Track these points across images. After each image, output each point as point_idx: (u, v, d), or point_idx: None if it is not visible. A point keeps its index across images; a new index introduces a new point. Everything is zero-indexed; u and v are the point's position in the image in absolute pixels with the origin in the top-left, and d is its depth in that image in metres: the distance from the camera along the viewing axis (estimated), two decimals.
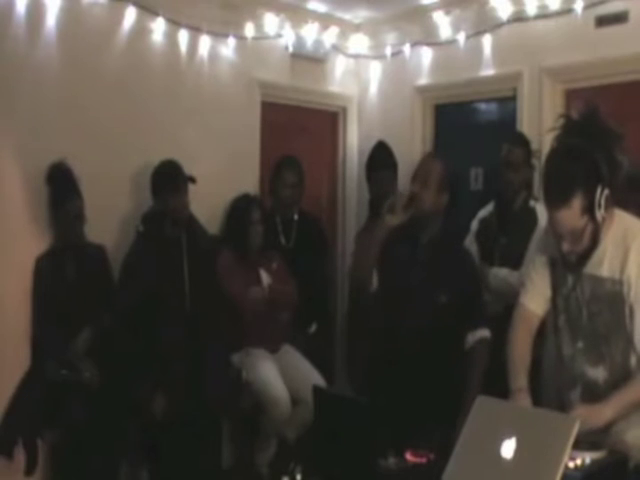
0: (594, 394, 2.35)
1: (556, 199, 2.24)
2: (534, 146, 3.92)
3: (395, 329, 3.00)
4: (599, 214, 2.24)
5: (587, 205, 2.22)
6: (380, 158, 4.73)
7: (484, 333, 2.94)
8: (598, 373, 2.39)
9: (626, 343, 2.33)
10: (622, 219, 2.35)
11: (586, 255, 2.33)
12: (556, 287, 2.47)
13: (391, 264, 2.99)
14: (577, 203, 2.21)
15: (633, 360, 2.34)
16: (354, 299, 4.58)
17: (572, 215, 2.23)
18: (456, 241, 3.18)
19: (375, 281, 3.02)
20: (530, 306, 2.53)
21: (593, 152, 2.25)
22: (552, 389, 2.61)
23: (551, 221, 2.32)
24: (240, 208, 4.19)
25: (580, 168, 2.23)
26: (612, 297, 2.32)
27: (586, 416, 2.11)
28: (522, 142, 3.88)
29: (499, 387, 2.39)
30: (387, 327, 3.05)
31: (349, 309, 4.85)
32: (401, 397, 2.81)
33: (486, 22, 4.63)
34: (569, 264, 2.38)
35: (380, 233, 2.94)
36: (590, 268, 2.35)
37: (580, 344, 2.43)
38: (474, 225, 3.92)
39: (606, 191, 2.23)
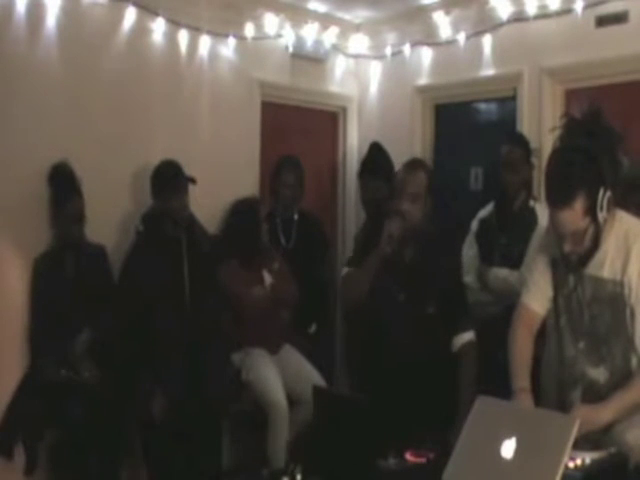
0: (595, 395, 2.35)
1: (558, 200, 2.24)
2: (534, 145, 3.92)
3: (384, 339, 3.00)
4: (601, 216, 2.23)
5: (589, 207, 2.22)
6: (372, 166, 4.65)
7: (469, 336, 2.94)
8: (599, 374, 2.39)
9: (627, 344, 2.33)
10: (623, 220, 2.35)
11: (587, 256, 2.33)
12: (557, 287, 2.47)
13: (379, 280, 2.99)
14: (579, 204, 2.21)
15: (634, 361, 2.34)
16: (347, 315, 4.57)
17: (574, 216, 2.23)
18: (442, 245, 3.17)
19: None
20: (532, 305, 2.53)
21: (596, 153, 2.25)
22: (552, 389, 2.61)
23: (553, 221, 2.32)
24: (247, 209, 4.17)
25: (583, 170, 2.22)
26: (613, 298, 2.32)
27: (586, 417, 2.11)
28: (521, 142, 3.89)
29: (499, 387, 2.39)
30: (376, 337, 3.06)
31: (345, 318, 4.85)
32: (394, 405, 2.80)
33: (486, 22, 4.63)
34: (570, 264, 2.38)
35: (373, 262, 2.94)
36: (591, 269, 2.35)
37: (581, 345, 2.42)
38: (474, 225, 3.91)
39: (608, 193, 2.23)
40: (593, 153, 2.25)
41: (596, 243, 2.31)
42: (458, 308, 3.00)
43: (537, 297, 2.52)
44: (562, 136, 2.42)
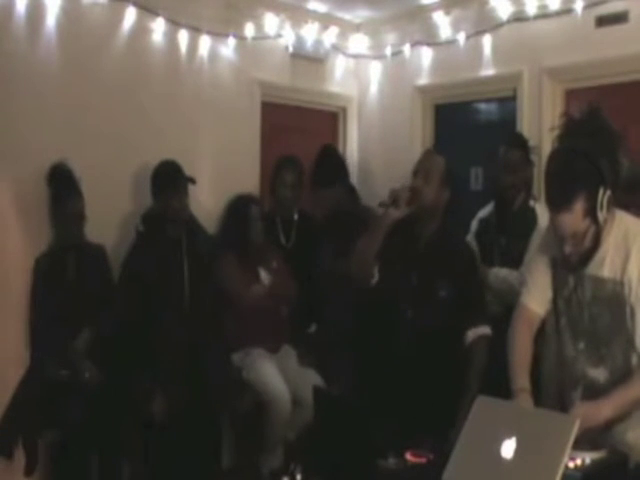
0: (595, 394, 2.34)
1: (558, 203, 2.23)
2: (533, 143, 3.91)
3: (395, 324, 2.99)
4: (601, 216, 2.22)
5: (589, 207, 2.21)
6: (321, 175, 4.45)
7: (485, 330, 2.92)
8: (599, 374, 2.38)
9: (627, 344, 2.33)
10: (623, 220, 2.35)
11: (587, 256, 2.33)
12: (557, 288, 2.47)
13: (390, 259, 2.97)
14: (579, 206, 2.20)
15: (634, 360, 2.33)
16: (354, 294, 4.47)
17: (574, 218, 2.22)
18: (456, 237, 3.16)
19: (376, 274, 3.00)
20: (531, 306, 2.53)
21: (595, 153, 2.24)
22: (552, 389, 2.61)
23: (553, 223, 2.31)
24: (238, 206, 4.19)
25: (582, 170, 2.21)
26: (613, 298, 2.32)
27: (587, 413, 2.11)
28: (519, 143, 3.85)
29: (500, 388, 2.39)
30: (387, 322, 3.04)
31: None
32: (399, 394, 2.80)
33: (486, 22, 4.63)
34: (570, 265, 2.38)
35: (383, 226, 2.91)
36: (591, 269, 2.34)
37: (581, 345, 2.42)
38: (474, 225, 3.91)
39: (608, 192, 2.22)
40: (592, 153, 2.24)
41: (596, 243, 2.30)
42: (473, 301, 2.97)
43: (537, 297, 2.52)
44: (561, 136, 2.41)
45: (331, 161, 4.60)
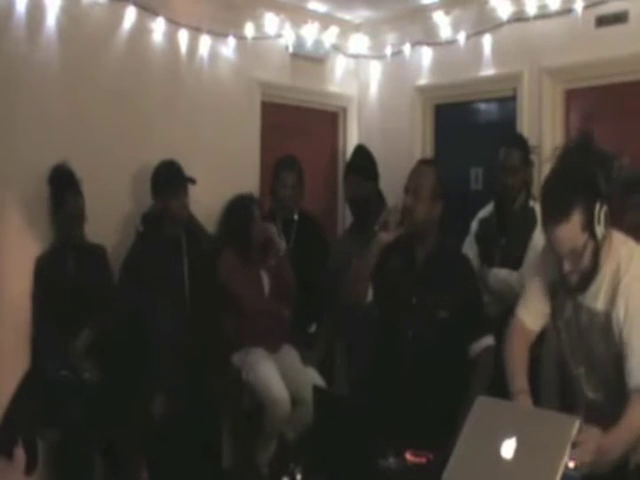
0: (596, 413, 2.29)
1: (556, 213, 2.18)
2: (533, 143, 3.90)
3: (395, 344, 2.99)
4: (599, 230, 2.19)
5: (586, 220, 2.17)
6: (357, 165, 4.64)
7: (488, 341, 2.92)
8: (599, 397, 2.39)
9: (623, 373, 2.30)
10: (619, 249, 2.29)
11: (587, 278, 2.28)
12: (556, 312, 2.46)
13: (387, 279, 2.97)
14: (577, 217, 2.16)
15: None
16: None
17: (572, 231, 2.18)
18: (453, 252, 3.16)
19: (370, 294, 3.01)
20: (527, 322, 2.52)
21: (591, 168, 2.23)
22: (552, 389, 2.60)
23: (551, 240, 2.26)
24: (239, 207, 4.19)
25: (578, 182, 2.19)
26: (606, 330, 2.29)
27: (596, 443, 1.99)
28: (519, 144, 3.85)
29: (500, 389, 2.39)
30: (387, 342, 3.04)
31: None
32: (403, 414, 2.78)
33: (486, 22, 4.64)
34: (570, 286, 2.33)
35: (374, 251, 2.93)
36: (587, 300, 2.32)
37: (581, 369, 2.43)
38: (474, 226, 3.91)
39: (605, 207, 2.19)
40: (588, 167, 2.23)
41: (595, 262, 2.25)
42: (474, 314, 2.97)
43: (532, 315, 2.50)
44: (556, 164, 2.39)
45: (365, 156, 4.69)
